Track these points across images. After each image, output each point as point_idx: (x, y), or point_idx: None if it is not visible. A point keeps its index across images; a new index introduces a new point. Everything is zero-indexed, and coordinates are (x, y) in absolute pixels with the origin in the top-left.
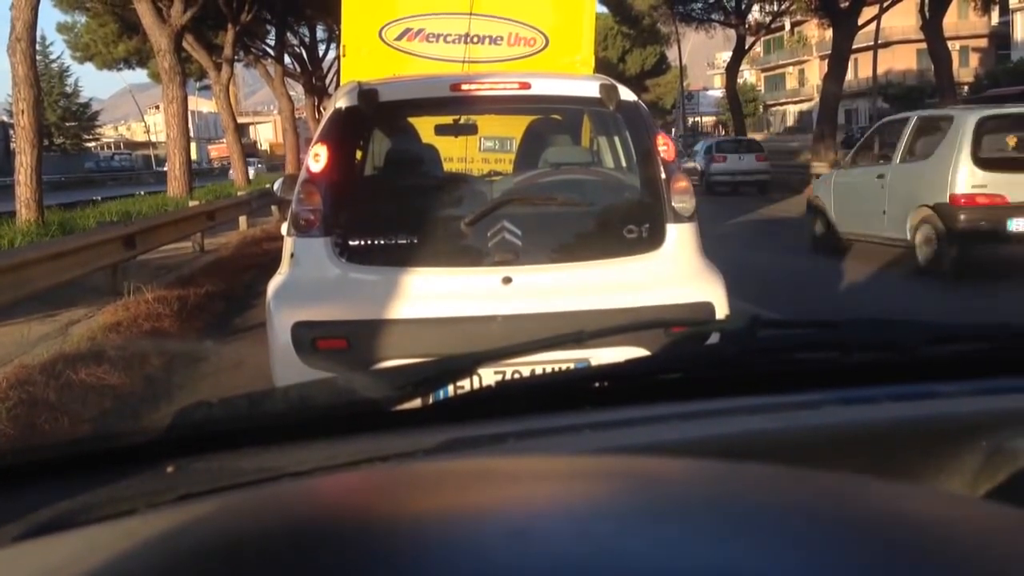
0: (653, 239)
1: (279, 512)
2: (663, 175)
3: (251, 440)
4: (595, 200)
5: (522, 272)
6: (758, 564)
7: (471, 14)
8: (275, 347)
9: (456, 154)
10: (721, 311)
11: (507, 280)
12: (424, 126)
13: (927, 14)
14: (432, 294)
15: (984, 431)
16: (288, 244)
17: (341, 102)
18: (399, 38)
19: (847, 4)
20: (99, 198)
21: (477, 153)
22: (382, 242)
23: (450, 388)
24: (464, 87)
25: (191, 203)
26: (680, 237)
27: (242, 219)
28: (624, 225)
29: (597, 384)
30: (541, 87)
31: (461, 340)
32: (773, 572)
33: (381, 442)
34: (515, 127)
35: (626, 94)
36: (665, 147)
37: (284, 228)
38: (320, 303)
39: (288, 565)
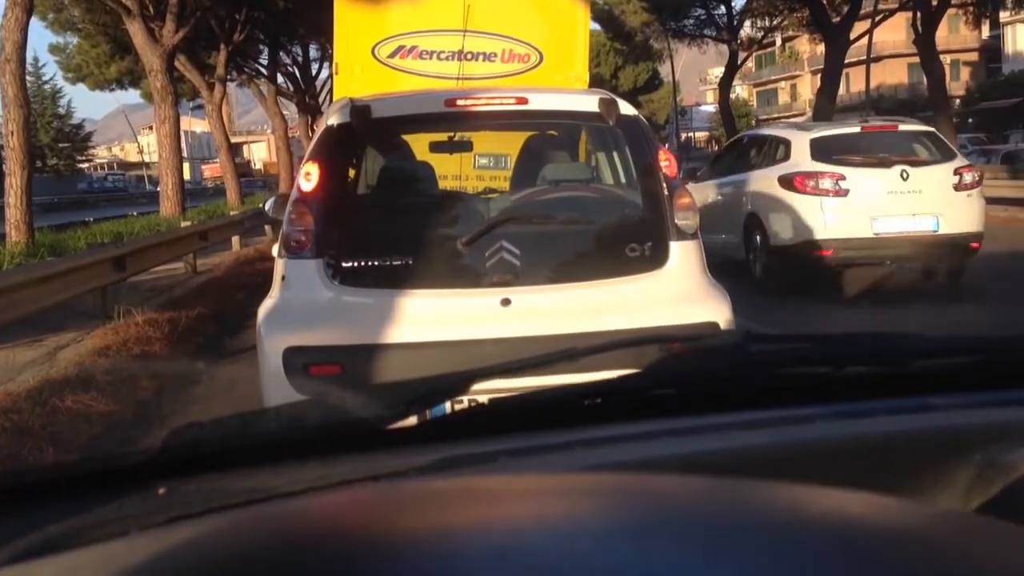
0: (656, 257)
1: (270, 533)
2: (665, 191)
3: (242, 461)
4: (596, 218)
5: (521, 293)
6: None
7: (465, 31)
8: (266, 372)
9: (450, 172)
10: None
11: (506, 302)
12: (418, 143)
13: (919, 28)
14: (429, 317)
15: (977, 444)
16: (279, 266)
17: (333, 119)
18: (392, 55)
19: (839, 20)
20: (91, 219)
21: (472, 170)
22: (376, 263)
23: (443, 406)
24: (460, 103)
25: (183, 223)
26: (684, 255)
27: (235, 239)
28: (626, 243)
29: (589, 401)
30: (539, 102)
31: (459, 365)
32: None
33: (373, 461)
34: (511, 144)
35: (626, 108)
36: (667, 162)
37: (275, 249)
38: (312, 327)
39: None
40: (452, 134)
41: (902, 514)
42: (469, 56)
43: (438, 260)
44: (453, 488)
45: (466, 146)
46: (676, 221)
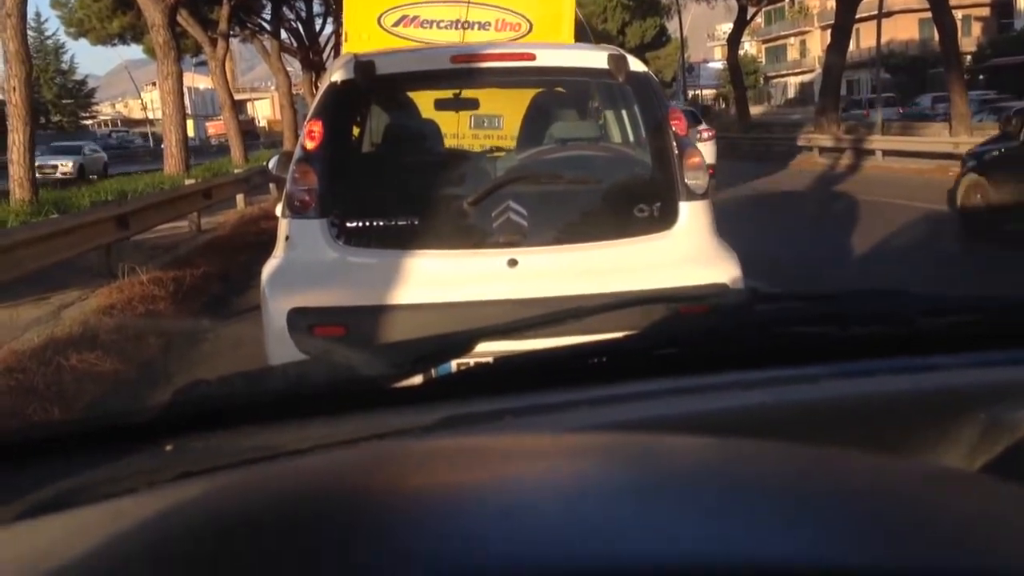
0: (665, 218)
1: (276, 490)
2: (675, 150)
3: (249, 418)
4: (604, 177)
5: (529, 254)
6: (750, 540)
7: (468, 2)
8: (270, 334)
9: (449, 131)
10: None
11: (513, 263)
12: (423, 101)
13: None
14: (434, 278)
15: (982, 403)
16: (283, 226)
17: (337, 75)
18: (396, 24)
19: None
20: (95, 176)
21: (467, 130)
22: (381, 223)
23: (448, 365)
24: (466, 59)
25: (187, 182)
26: (694, 215)
27: (240, 197)
28: (635, 204)
29: (593, 360)
30: (546, 58)
31: (465, 326)
32: (764, 547)
33: (379, 420)
34: (516, 101)
35: (636, 65)
36: (677, 122)
37: (279, 209)
38: (316, 288)
39: (284, 542)
40: (458, 91)
41: (906, 472)
42: (466, 25)
43: (444, 220)
44: (460, 447)
45: (472, 104)
46: (686, 181)
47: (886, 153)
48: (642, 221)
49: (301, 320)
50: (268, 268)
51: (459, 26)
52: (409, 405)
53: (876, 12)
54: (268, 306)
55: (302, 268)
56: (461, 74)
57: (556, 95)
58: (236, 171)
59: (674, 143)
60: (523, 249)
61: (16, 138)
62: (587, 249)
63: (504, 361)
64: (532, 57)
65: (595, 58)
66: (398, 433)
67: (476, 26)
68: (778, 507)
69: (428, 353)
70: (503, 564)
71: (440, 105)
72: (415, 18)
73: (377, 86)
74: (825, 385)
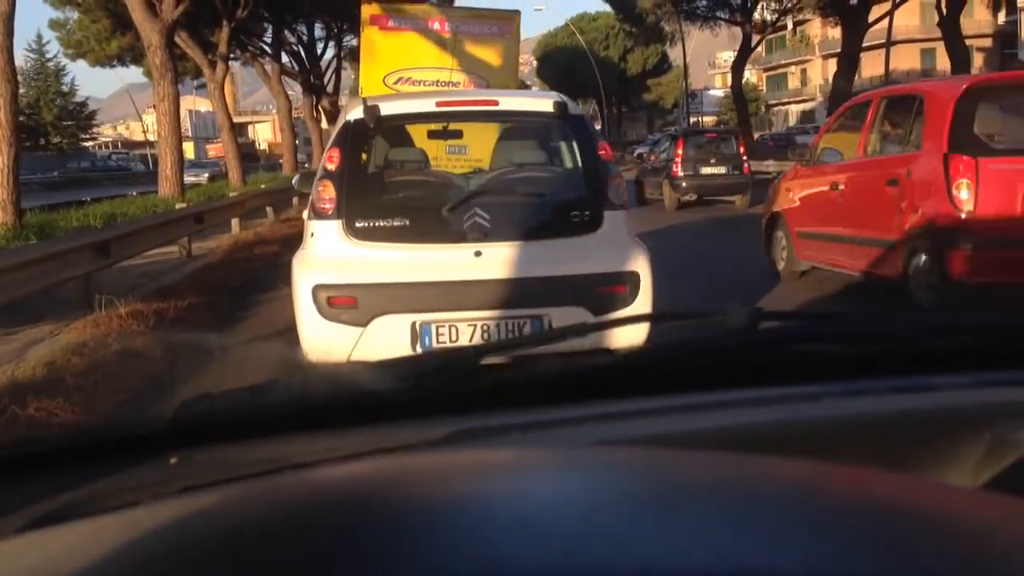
0: (593, 222)
1: (282, 503)
2: (602, 172)
3: (254, 432)
4: (549, 192)
5: (490, 248)
6: (764, 554)
7: (451, 68)
8: (299, 304)
9: (431, 155)
10: (646, 279)
11: (478, 254)
12: (418, 132)
13: (944, 10)
14: (420, 264)
15: (986, 423)
16: (308, 225)
17: (351, 115)
18: (396, 83)
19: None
20: (88, 199)
21: (445, 155)
22: (382, 224)
23: (453, 380)
24: (447, 103)
25: (178, 205)
26: (614, 220)
27: (235, 221)
28: (571, 211)
29: (598, 376)
30: (506, 104)
31: (442, 299)
32: (779, 562)
33: (384, 434)
34: (486, 133)
35: (574, 108)
36: (604, 151)
37: (305, 213)
38: (333, 270)
39: (291, 556)
40: (446, 124)
41: (920, 488)
42: (444, 84)
43: (428, 222)
44: (471, 459)
45: (457, 134)
46: (609, 196)
47: None
48: (576, 224)
49: (322, 293)
50: (297, 256)
51: (439, 84)
52: (414, 420)
53: (879, 41)
54: (298, 283)
55: (323, 256)
56: (443, 115)
57: (516, 130)
58: (232, 194)
59: (601, 167)
60: (486, 244)
61: (0, 160)
62: (534, 244)
63: (510, 376)
64: (496, 103)
65: (543, 103)
66: (404, 447)
67: (450, 84)
68: (794, 521)
69: (433, 368)
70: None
71: (432, 135)
72: (409, 79)
73: (380, 123)
74: (830, 404)
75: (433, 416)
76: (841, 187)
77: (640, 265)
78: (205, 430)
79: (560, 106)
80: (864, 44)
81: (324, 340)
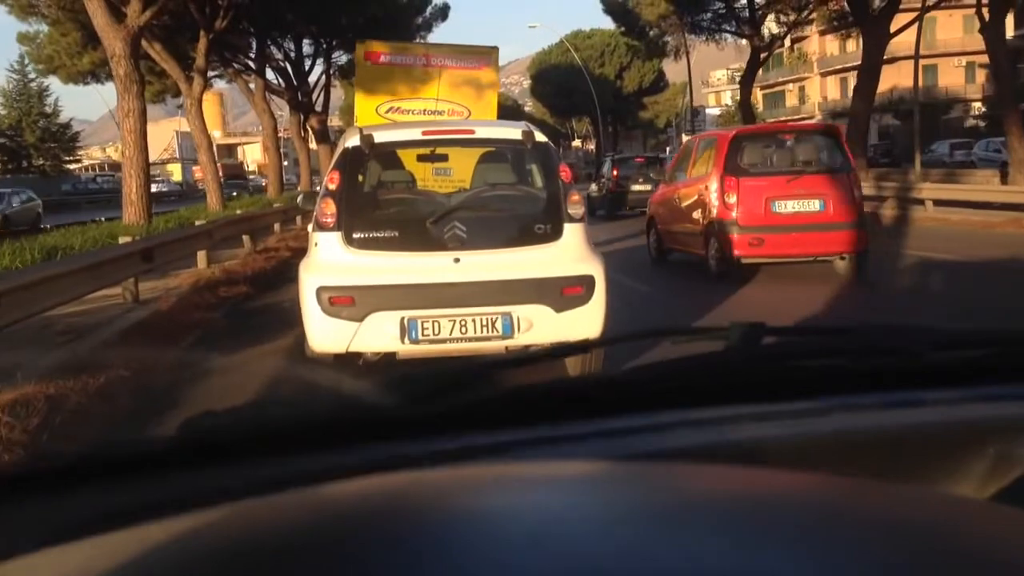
0: (555, 233)
1: (288, 521)
2: (563, 191)
3: (258, 449)
4: (517, 207)
5: (467, 255)
6: (780, 566)
7: (436, 99)
8: (304, 303)
9: (419, 176)
10: (600, 282)
11: (457, 260)
12: (408, 156)
13: (985, 17)
14: (407, 268)
15: (992, 437)
16: (313, 236)
17: (349, 143)
18: (388, 112)
19: (878, 10)
20: (48, 226)
21: (431, 176)
22: (375, 235)
23: (457, 396)
24: (431, 132)
25: (121, 239)
26: (573, 232)
27: (200, 255)
28: (536, 224)
29: (603, 392)
30: (481, 132)
31: (426, 298)
32: (794, 572)
33: (388, 450)
34: (467, 157)
35: (540, 136)
36: (565, 173)
37: (310, 227)
38: (334, 274)
39: (307, 570)
40: (433, 149)
41: (931, 501)
42: (431, 112)
43: (414, 233)
44: (481, 474)
45: (443, 158)
46: (568, 211)
47: (937, 203)
48: (540, 235)
49: (324, 293)
50: (304, 262)
51: (425, 112)
52: (418, 436)
53: (914, 52)
54: (304, 285)
55: (325, 262)
56: (428, 142)
57: (491, 155)
58: (198, 222)
59: (562, 186)
60: (464, 252)
61: None
62: (504, 252)
63: (513, 393)
64: (472, 132)
65: (512, 132)
66: (410, 463)
67: (435, 114)
68: (805, 533)
69: (437, 384)
70: None
71: (420, 158)
72: (399, 108)
73: (374, 149)
74: (835, 418)
75: (438, 433)
76: (678, 198)
77: (595, 270)
78: (209, 447)
79: (527, 134)
80: (901, 55)
81: (326, 333)
